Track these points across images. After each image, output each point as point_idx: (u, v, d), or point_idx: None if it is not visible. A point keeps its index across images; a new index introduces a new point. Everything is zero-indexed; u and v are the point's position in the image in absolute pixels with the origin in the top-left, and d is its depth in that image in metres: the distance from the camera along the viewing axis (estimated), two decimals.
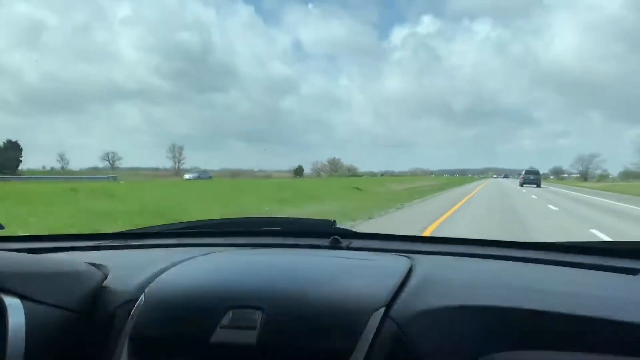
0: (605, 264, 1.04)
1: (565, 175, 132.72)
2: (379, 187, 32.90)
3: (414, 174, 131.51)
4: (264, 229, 1.57)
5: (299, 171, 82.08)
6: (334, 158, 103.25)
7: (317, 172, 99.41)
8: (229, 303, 0.79)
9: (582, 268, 1.04)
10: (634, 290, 0.91)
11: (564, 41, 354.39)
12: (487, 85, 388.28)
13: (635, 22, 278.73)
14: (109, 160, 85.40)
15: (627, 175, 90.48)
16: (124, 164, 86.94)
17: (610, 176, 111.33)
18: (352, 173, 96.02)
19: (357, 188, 28.24)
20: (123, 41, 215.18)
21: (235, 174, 72.50)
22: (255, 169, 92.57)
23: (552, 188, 38.85)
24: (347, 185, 31.25)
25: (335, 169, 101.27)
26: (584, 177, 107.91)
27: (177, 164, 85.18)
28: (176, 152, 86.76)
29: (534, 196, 23.02)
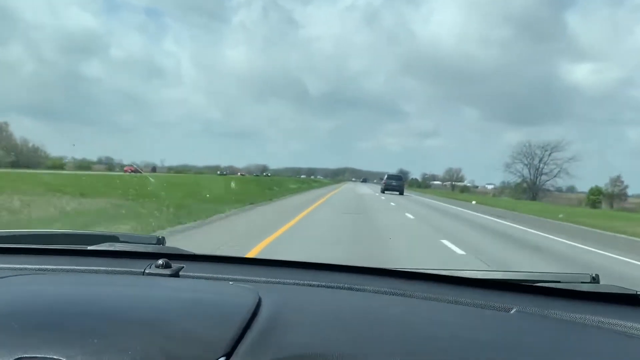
0: (477, 299, 0.94)
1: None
2: None
3: (209, 172, 72.79)
4: (72, 247, 1.29)
5: None
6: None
7: None
8: (20, 350, 0.63)
9: (453, 303, 0.94)
10: (509, 331, 0.85)
11: (443, 18, 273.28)
12: (351, 66, 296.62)
13: (524, 3, 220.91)
14: None
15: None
16: None
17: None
18: (38, 162, 44.75)
19: None
20: None
21: None
22: None
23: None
24: None
25: None
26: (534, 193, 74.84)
27: None
28: None
29: None
